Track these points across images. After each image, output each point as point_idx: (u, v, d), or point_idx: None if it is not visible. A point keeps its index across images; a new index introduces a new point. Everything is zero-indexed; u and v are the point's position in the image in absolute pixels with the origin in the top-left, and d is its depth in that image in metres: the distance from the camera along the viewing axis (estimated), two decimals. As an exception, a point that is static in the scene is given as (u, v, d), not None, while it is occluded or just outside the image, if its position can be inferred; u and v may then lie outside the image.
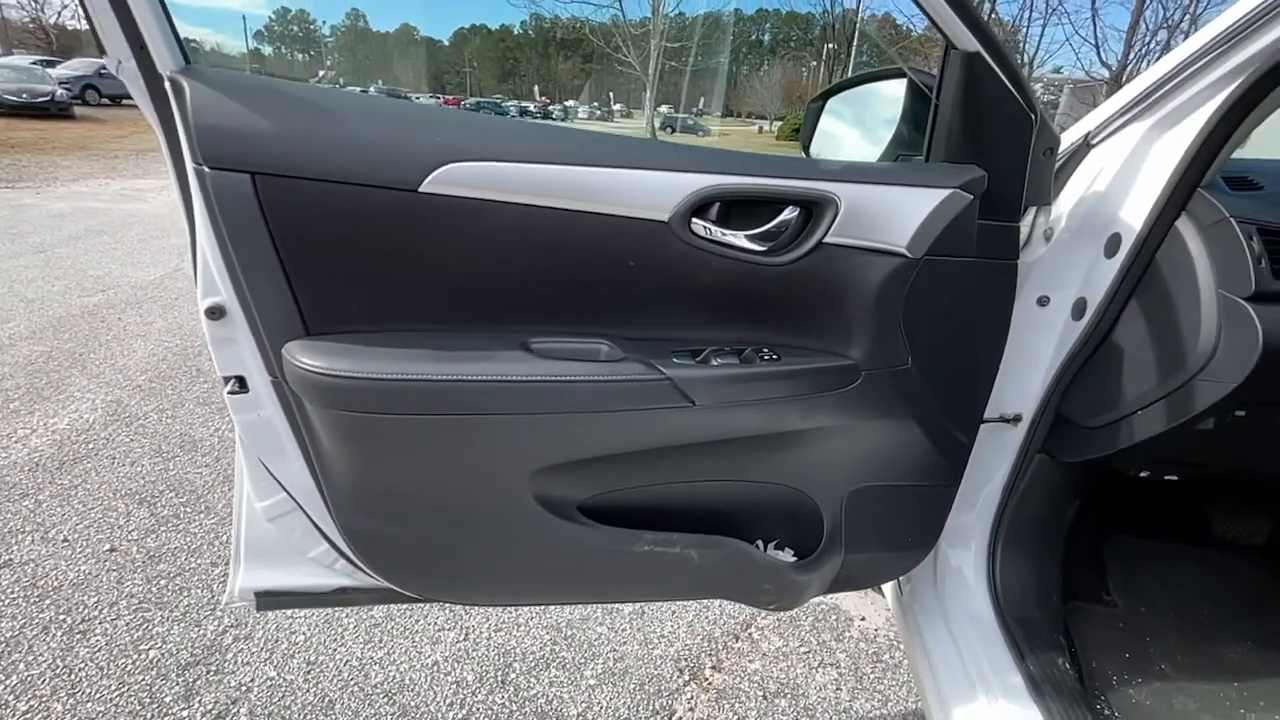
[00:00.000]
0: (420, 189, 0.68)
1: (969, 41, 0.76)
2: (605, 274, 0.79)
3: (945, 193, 0.79)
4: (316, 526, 0.89)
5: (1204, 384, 0.80)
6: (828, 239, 0.79)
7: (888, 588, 1.28)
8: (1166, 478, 0.99)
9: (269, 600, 0.95)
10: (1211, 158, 0.81)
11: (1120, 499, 1.28)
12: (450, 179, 0.68)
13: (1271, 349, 0.74)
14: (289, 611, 1.53)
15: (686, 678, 1.40)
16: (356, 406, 0.72)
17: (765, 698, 1.36)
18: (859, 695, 1.37)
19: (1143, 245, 0.86)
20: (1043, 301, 1.01)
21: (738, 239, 0.79)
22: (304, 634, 1.48)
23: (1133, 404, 0.89)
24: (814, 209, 0.79)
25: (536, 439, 0.80)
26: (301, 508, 0.88)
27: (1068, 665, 0.99)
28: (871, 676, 1.41)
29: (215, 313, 0.73)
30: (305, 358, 0.69)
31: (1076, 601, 1.22)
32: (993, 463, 1.09)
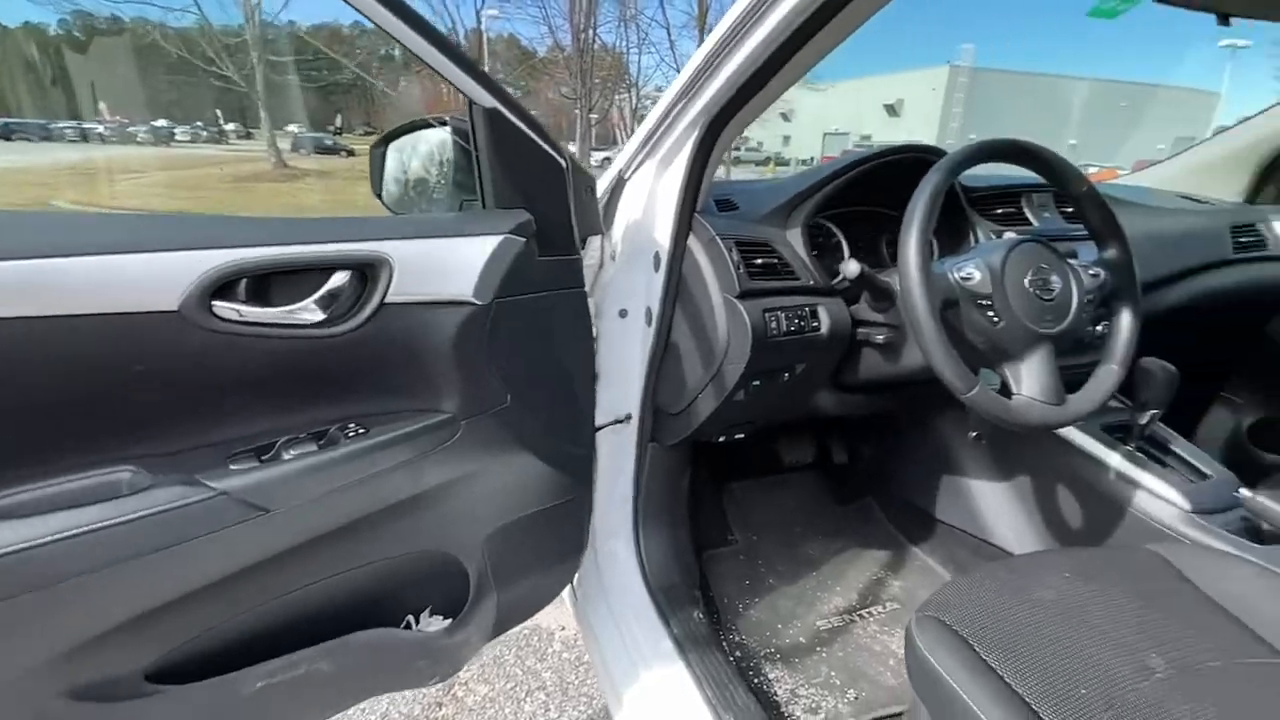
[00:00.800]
0: None
1: (486, 98, 0.81)
2: (107, 388, 0.62)
3: (498, 239, 0.83)
4: None
5: (730, 367, 1.01)
6: (390, 299, 0.76)
7: (565, 598, 1.34)
8: (737, 437, 1.24)
9: None
10: (698, 187, 1.02)
11: (722, 458, 1.57)
12: None
13: (758, 333, 0.96)
14: None
15: (389, 775, 1.27)
16: None
17: (479, 753, 1.32)
18: (567, 706, 1.42)
19: (672, 261, 1.04)
20: (623, 314, 1.15)
21: (284, 315, 0.71)
22: None
23: (694, 390, 1.08)
24: (368, 271, 0.75)
25: (44, 621, 0.60)
26: None
27: (702, 615, 1.18)
28: (576, 682, 1.48)
29: None
30: None
31: (710, 550, 1.46)
32: (621, 458, 1.23)
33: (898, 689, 1.10)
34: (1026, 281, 0.88)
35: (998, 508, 1.30)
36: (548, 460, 0.99)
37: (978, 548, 1.33)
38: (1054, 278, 0.90)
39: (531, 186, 0.89)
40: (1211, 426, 1.64)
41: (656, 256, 1.07)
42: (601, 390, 1.23)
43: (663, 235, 1.05)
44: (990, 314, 0.87)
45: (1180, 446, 1.10)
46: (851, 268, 0.92)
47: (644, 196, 1.08)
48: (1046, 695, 0.64)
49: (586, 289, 1.07)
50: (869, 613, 1.29)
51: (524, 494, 0.99)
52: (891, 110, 34.57)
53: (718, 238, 1.00)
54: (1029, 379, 0.86)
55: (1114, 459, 1.08)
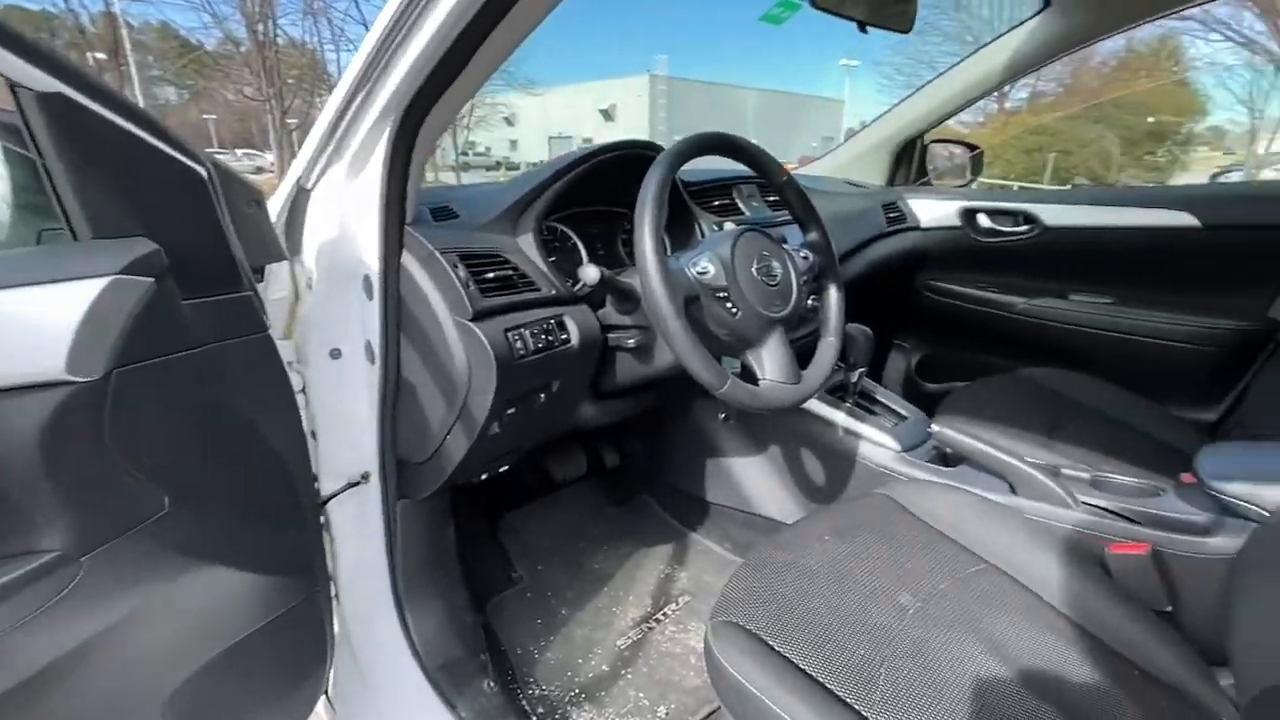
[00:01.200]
0: None
1: (37, 79, 0.54)
2: None
3: (103, 282, 0.57)
4: None
5: (476, 399, 0.88)
6: None
7: (322, 712, 1.08)
8: (500, 470, 1.11)
9: None
10: (402, 194, 0.86)
11: (489, 492, 1.43)
12: None
13: (500, 357, 0.85)
14: None
15: None
16: None
17: None
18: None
19: (386, 284, 0.86)
20: (335, 354, 0.94)
21: None
22: None
23: (440, 432, 0.92)
24: None
25: None
26: None
27: (494, 684, 1.03)
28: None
29: None
30: None
31: (495, 596, 1.31)
32: (366, 526, 1.01)
33: (704, 688, 1.10)
34: (754, 270, 0.92)
35: (758, 481, 1.40)
36: (250, 564, 0.75)
37: (749, 521, 1.41)
38: (775, 264, 0.95)
39: (153, 204, 0.63)
40: (892, 371, 2.00)
41: (367, 280, 0.88)
42: (325, 450, 0.99)
43: (369, 255, 0.87)
44: (729, 305, 0.88)
45: (882, 395, 1.28)
46: (591, 273, 0.86)
47: (337, 209, 0.88)
48: (833, 669, 0.66)
49: (276, 331, 0.83)
50: (664, 614, 1.28)
51: (221, 620, 0.73)
52: (607, 115, 37.06)
53: (437, 252, 0.85)
54: (770, 363, 0.90)
55: (839, 417, 1.21)
